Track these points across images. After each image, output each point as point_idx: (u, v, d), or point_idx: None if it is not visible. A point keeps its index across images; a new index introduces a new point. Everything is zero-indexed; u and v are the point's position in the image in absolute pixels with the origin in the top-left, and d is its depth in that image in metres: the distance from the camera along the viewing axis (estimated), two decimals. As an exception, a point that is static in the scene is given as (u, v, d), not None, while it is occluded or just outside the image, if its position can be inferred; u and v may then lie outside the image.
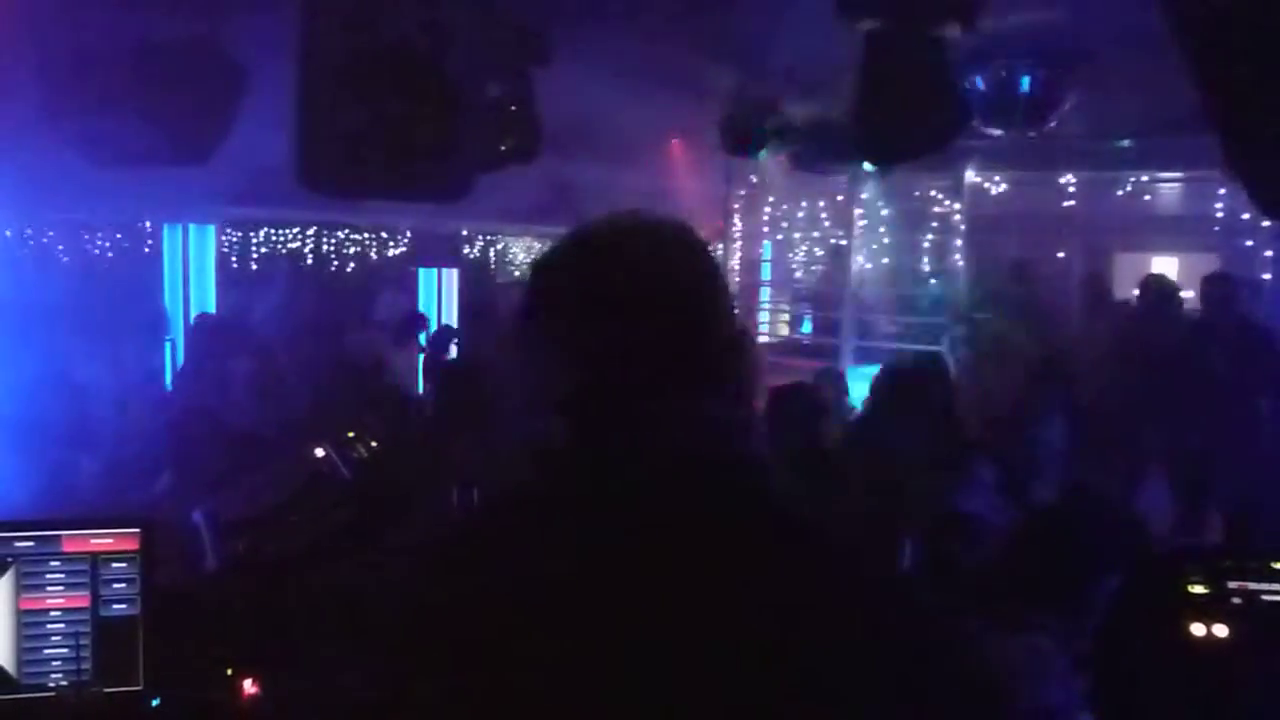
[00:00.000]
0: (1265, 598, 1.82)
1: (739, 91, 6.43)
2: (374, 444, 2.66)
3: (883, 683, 1.10)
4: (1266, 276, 8.73)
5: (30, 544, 2.40)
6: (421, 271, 12.82)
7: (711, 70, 6.28)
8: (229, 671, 2.38)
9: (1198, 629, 1.78)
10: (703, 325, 1.16)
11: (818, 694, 1.07)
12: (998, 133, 6.49)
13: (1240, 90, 1.89)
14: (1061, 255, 9.91)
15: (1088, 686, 1.89)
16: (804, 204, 10.53)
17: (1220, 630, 1.78)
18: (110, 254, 11.06)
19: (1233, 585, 1.83)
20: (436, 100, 2.81)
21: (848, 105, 4.68)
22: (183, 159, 4.51)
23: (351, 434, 2.69)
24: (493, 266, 15.64)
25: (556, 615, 1.11)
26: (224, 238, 11.72)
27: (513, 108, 4.03)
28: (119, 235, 11.26)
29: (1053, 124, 6.45)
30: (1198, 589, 1.82)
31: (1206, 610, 1.79)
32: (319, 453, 2.62)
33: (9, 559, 2.39)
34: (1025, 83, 5.78)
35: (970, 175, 9.26)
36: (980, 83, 5.48)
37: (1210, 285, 6.33)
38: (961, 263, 9.65)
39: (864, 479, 3.71)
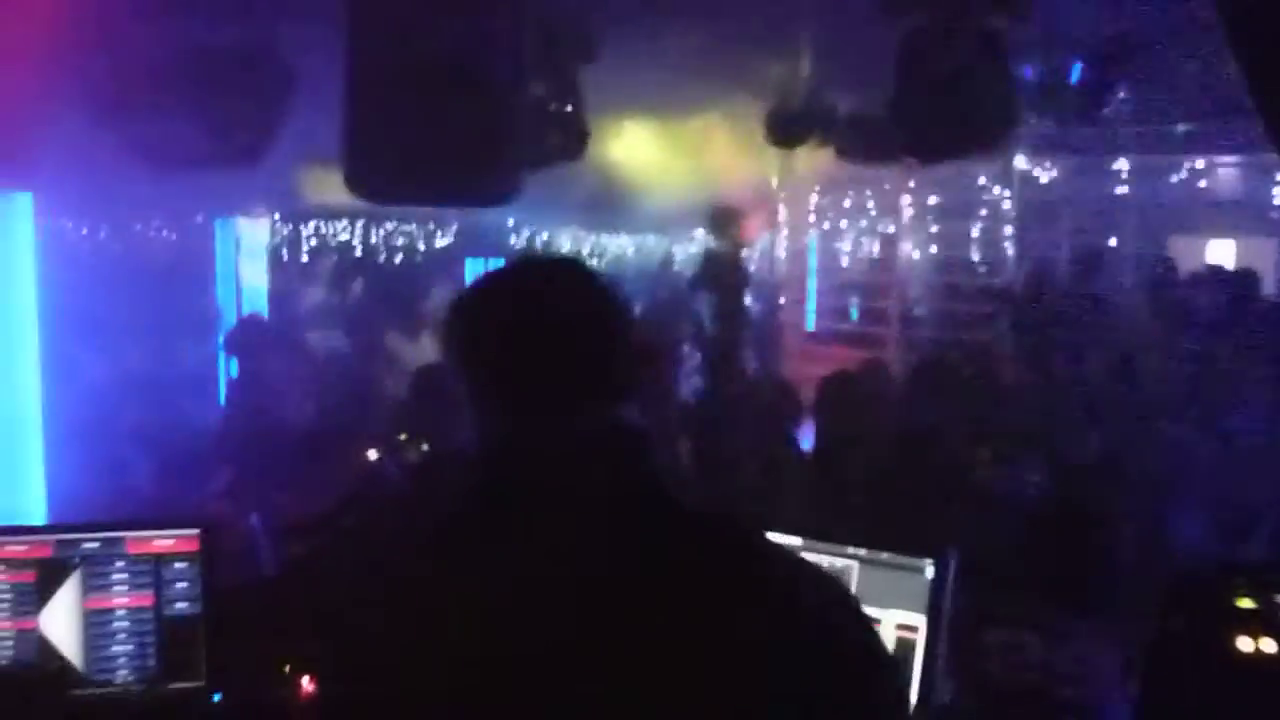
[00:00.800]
0: (1314, 611, 1.81)
1: (785, 84, 6.40)
2: (425, 447, 2.71)
3: (790, 673, 1.17)
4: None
5: (95, 545, 2.49)
6: (469, 262, 12.94)
7: (758, 63, 6.26)
8: (288, 669, 2.45)
9: (1244, 643, 1.78)
10: (599, 343, 1.33)
11: (727, 685, 1.15)
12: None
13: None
14: (1113, 242, 9.73)
15: (1135, 694, 1.89)
16: (850, 193, 10.46)
17: (1268, 645, 1.77)
18: (163, 248, 11.24)
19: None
20: (482, 107, 2.84)
21: (893, 99, 4.67)
22: (236, 162, 4.60)
23: (404, 436, 2.74)
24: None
25: (480, 622, 1.22)
26: (274, 230, 11.89)
27: (558, 107, 4.06)
28: (167, 231, 11.45)
29: (1105, 112, 6.35)
30: (1245, 603, 1.81)
31: (1254, 624, 1.79)
32: (372, 455, 2.67)
33: (76, 560, 2.47)
34: (1076, 71, 5.69)
35: (1020, 162, 9.15)
36: (1029, 73, 5.41)
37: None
38: (1011, 251, 9.54)
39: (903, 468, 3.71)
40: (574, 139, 4.34)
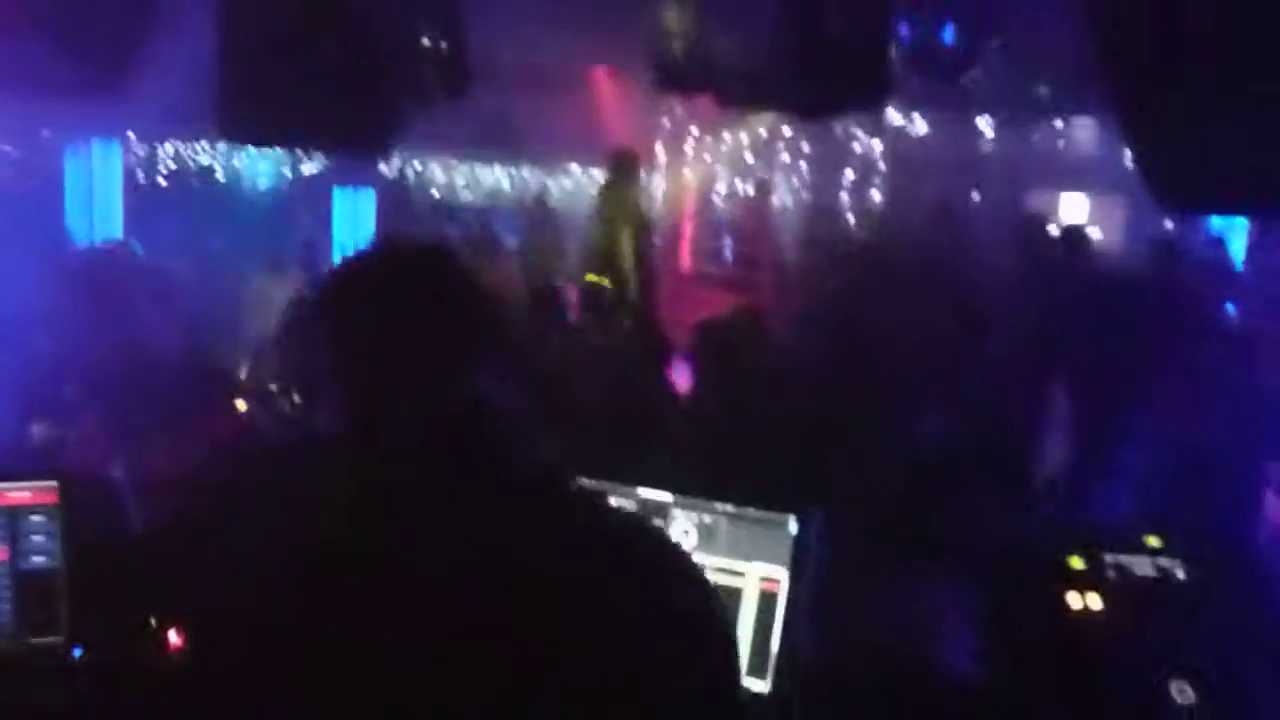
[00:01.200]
0: (1138, 571, 1.98)
1: (668, 29, 6.39)
2: (297, 398, 2.66)
3: (622, 638, 1.24)
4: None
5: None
6: (337, 191, 12.55)
7: (641, 7, 6.23)
8: (153, 624, 2.40)
9: (1075, 602, 1.93)
10: (456, 322, 1.36)
11: (563, 652, 1.21)
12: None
13: (1138, 88, 1.98)
14: (977, 196, 10.13)
15: (972, 647, 2.03)
16: (727, 137, 10.57)
17: (1096, 604, 1.93)
18: (5, 170, 10.56)
19: (1109, 559, 1.99)
20: (357, 46, 2.77)
21: (775, 52, 4.72)
22: (96, 89, 4.34)
23: (275, 387, 2.69)
24: (410, 186, 15.34)
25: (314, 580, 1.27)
26: (130, 154, 11.30)
27: (438, 45, 3.97)
28: (10, 148, 10.75)
29: (973, 71, 6.55)
30: (1076, 564, 1.97)
31: (1084, 583, 1.95)
32: (242, 406, 2.62)
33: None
34: (948, 31, 5.85)
35: (891, 114, 9.40)
36: (905, 31, 5.54)
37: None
38: (880, 201, 9.83)
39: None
40: (454, 79, 4.25)
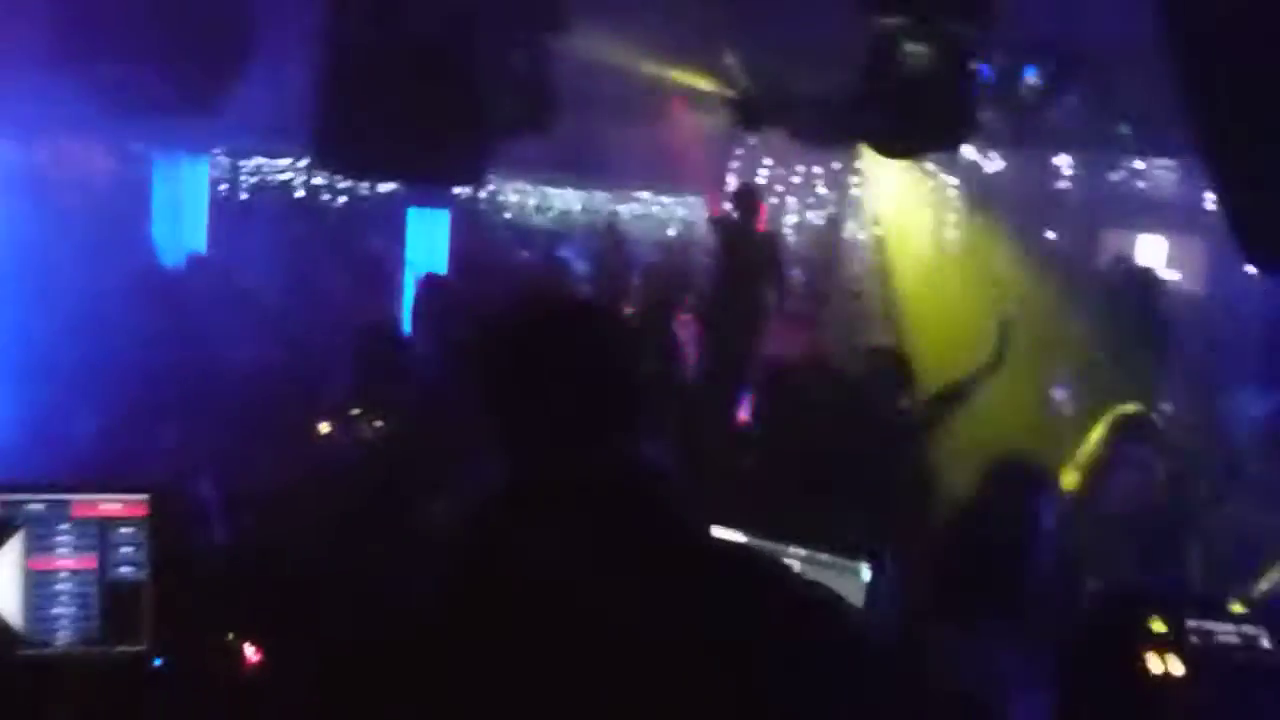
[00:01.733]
0: (1221, 638, 1.93)
1: (747, 64, 6.42)
2: (378, 423, 2.71)
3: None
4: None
5: (40, 508, 2.47)
6: (411, 211, 12.75)
7: (721, 42, 6.27)
8: (231, 638, 2.47)
9: (1155, 665, 1.90)
10: (617, 382, 1.39)
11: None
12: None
13: (1229, 140, 1.96)
14: (1051, 235, 9.96)
15: (1049, 705, 2.00)
16: (800, 169, 10.55)
17: (1177, 668, 1.89)
18: (100, 182, 10.92)
19: (1191, 625, 1.95)
20: (455, 86, 2.83)
21: (853, 88, 4.72)
22: (188, 109, 4.50)
23: (357, 410, 2.74)
24: (484, 208, 15.55)
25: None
26: (215, 169, 11.61)
27: (527, 78, 4.03)
28: (107, 165, 11.10)
29: (1053, 111, 6.49)
30: (1158, 627, 1.93)
31: (1165, 648, 1.91)
32: (325, 429, 2.67)
33: (19, 520, 2.46)
34: (1029, 72, 5.81)
35: (966, 150, 9.29)
36: (985, 71, 5.50)
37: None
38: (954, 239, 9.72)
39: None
40: (542, 111, 4.31)
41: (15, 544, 2.45)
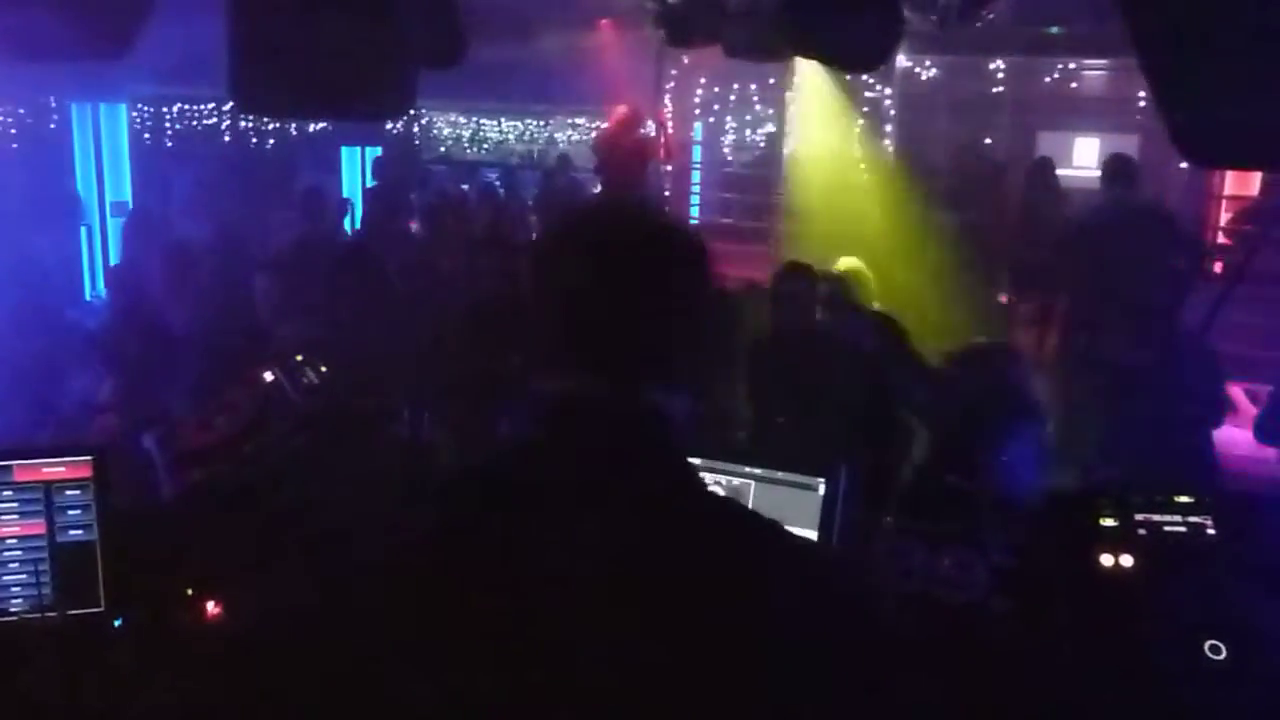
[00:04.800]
0: (1168, 529, 1.99)
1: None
2: (324, 369, 2.67)
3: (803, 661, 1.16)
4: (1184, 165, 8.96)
5: (-24, 479, 2.41)
6: (345, 150, 12.48)
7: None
8: (189, 592, 2.44)
9: (1106, 559, 1.95)
10: (683, 326, 1.26)
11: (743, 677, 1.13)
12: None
13: (1167, 40, 1.95)
14: (989, 141, 10.01)
15: (1005, 602, 2.05)
16: (736, 86, 10.45)
17: (1127, 560, 1.94)
18: (14, 132, 10.52)
19: (1139, 518, 2.00)
20: (370, 15, 2.73)
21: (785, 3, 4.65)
22: (99, 53, 4.30)
23: (300, 357, 2.70)
24: (417, 143, 15.26)
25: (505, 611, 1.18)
26: (135, 114, 11.24)
27: (439, 9, 3.92)
28: (22, 111, 10.70)
29: (988, 16, 6.45)
30: (1108, 521, 1.98)
31: (1115, 541, 1.96)
32: (268, 377, 2.63)
33: (-45, 491, 2.39)
34: (960, -25, 5.75)
35: (901, 59, 9.26)
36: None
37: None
38: (891, 147, 9.73)
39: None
40: (454, 45, 4.21)
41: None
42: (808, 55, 5.07)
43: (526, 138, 15.26)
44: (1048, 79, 10.07)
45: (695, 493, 1.25)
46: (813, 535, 2.15)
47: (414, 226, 8.86)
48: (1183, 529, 1.99)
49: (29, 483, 2.44)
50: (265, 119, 11.50)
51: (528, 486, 1.23)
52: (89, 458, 2.47)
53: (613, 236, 1.28)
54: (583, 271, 1.25)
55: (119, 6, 4.18)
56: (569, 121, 14.30)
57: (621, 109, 9.40)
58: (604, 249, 1.26)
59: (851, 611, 1.26)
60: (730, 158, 11.21)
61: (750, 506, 2.12)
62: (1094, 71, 10.23)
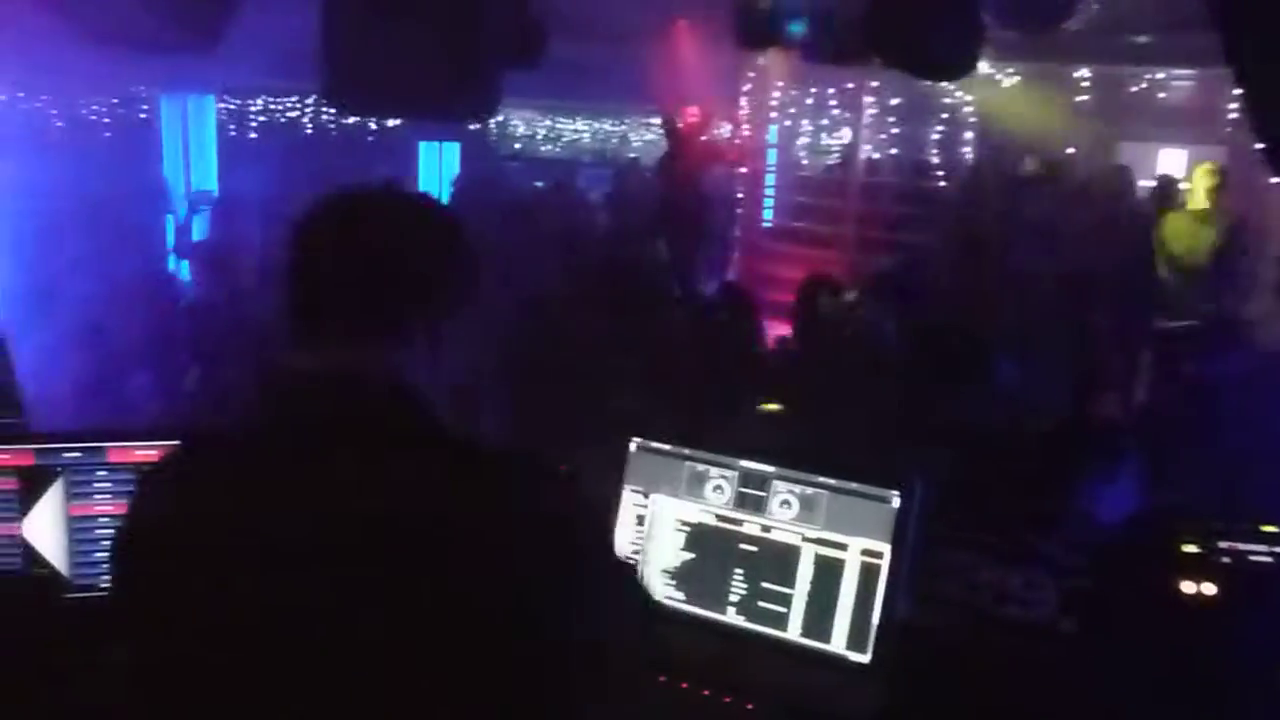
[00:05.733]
0: (1253, 558, 1.95)
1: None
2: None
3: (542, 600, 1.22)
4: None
5: (78, 455, 2.51)
6: (422, 145, 12.67)
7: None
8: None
9: (1187, 586, 1.92)
10: (397, 286, 1.33)
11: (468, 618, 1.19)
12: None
13: (1265, 55, 1.91)
14: (1071, 150, 9.83)
15: (1075, 624, 2.03)
16: (813, 89, 10.39)
17: (1209, 589, 1.91)
18: (107, 122, 10.87)
19: (1223, 545, 1.96)
20: (457, 17, 2.79)
21: (863, 3, 4.64)
22: (187, 45, 4.44)
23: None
24: (493, 139, 15.44)
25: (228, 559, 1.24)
26: (220, 105, 11.54)
27: (521, 13, 3.98)
28: (115, 101, 11.05)
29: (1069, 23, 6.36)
30: (1189, 548, 1.95)
31: (1196, 568, 1.93)
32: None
33: (58, 469, 2.50)
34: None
35: (983, 66, 9.13)
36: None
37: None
38: (970, 155, 9.60)
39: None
40: (533, 46, 4.27)
41: (56, 491, 2.49)
42: (890, 64, 5.03)
43: (600, 137, 15.37)
44: (1133, 89, 9.85)
45: (432, 447, 1.29)
46: (885, 547, 2.15)
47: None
48: (1268, 559, 1.95)
49: (122, 464, 2.53)
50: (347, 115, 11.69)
51: (265, 455, 1.30)
52: (178, 442, 2.55)
53: (357, 214, 1.36)
54: (326, 248, 1.33)
55: (210, 2, 4.32)
56: (643, 123, 14.37)
57: (691, 111, 9.41)
58: (347, 227, 1.34)
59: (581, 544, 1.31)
60: (805, 162, 11.14)
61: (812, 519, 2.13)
62: (1181, 82, 9.98)
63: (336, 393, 1.29)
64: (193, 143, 10.29)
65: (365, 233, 1.34)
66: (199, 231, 7.23)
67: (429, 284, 1.35)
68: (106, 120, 11.09)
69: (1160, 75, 9.67)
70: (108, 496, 2.53)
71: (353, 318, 1.31)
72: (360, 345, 1.30)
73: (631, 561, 1.41)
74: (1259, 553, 1.95)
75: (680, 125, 9.26)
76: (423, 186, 11.55)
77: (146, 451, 2.54)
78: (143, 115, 10.68)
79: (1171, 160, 10.45)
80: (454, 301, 1.38)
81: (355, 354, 1.30)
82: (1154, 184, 8.94)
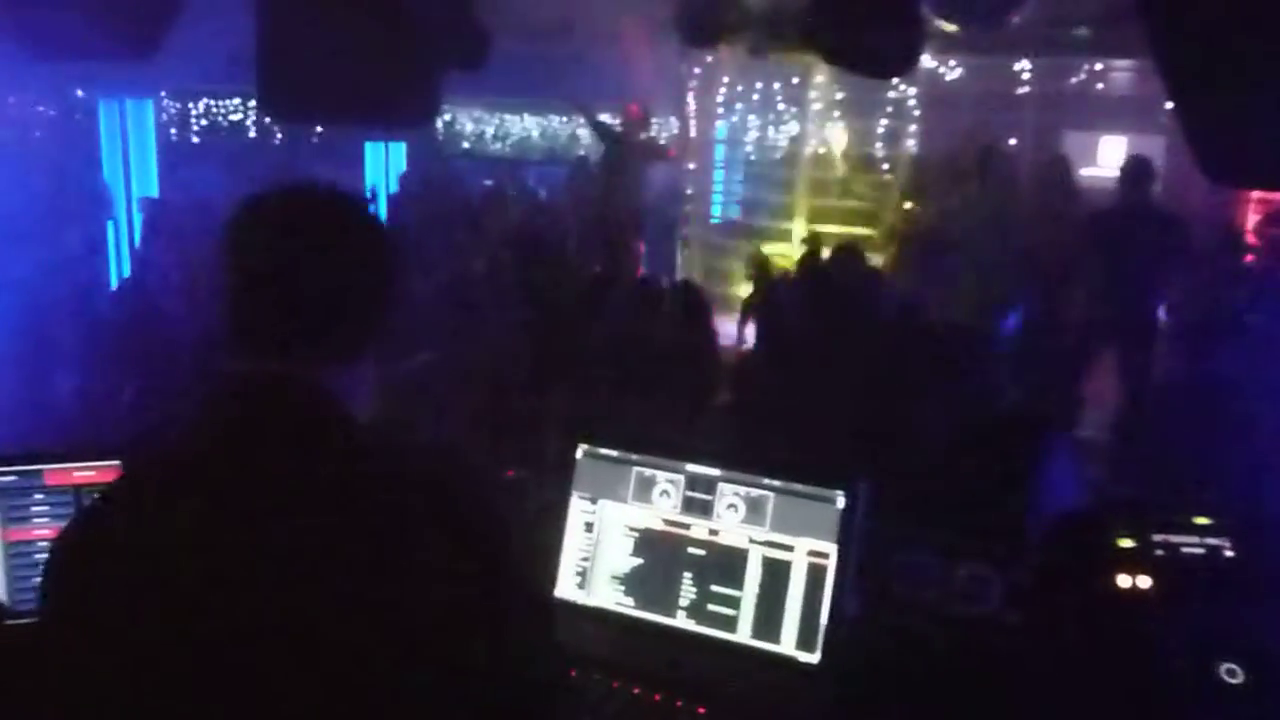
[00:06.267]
0: (1186, 550, 1.99)
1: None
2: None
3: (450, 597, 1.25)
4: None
5: (13, 478, 2.45)
6: (368, 146, 12.56)
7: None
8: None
9: (1123, 581, 1.95)
10: (328, 296, 1.33)
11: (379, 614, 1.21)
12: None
13: (1190, 63, 1.95)
14: (1014, 141, 9.95)
15: (1017, 617, 2.06)
16: (759, 85, 10.42)
17: (1144, 582, 1.95)
18: (42, 128, 10.65)
19: (1157, 538, 2.00)
20: (395, 25, 2.76)
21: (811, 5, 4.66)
22: (123, 53, 4.36)
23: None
24: (440, 138, 15.33)
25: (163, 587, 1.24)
26: (161, 110, 11.36)
27: (459, 14, 3.94)
28: (42, 108, 10.80)
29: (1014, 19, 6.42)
30: (1125, 542, 1.98)
31: (1132, 562, 1.96)
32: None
33: (-20, 492, 2.44)
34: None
35: (925, 60, 9.22)
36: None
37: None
38: (914, 147, 9.69)
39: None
40: (475, 48, 4.24)
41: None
42: (832, 63, 5.05)
43: (549, 135, 15.30)
44: (1073, 79, 10.00)
45: (351, 454, 1.30)
46: (831, 547, 2.16)
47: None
48: (1200, 550, 1.99)
49: (59, 486, 2.48)
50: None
51: (197, 469, 1.29)
52: (118, 462, 2.51)
53: (285, 219, 1.35)
54: (254, 256, 1.32)
55: (148, 8, 4.24)
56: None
57: (631, 107, 9.43)
58: (277, 233, 1.33)
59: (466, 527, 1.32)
60: (753, 156, 11.18)
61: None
62: (1120, 72, 10.15)
63: (265, 402, 1.30)
64: (132, 146, 10.11)
65: (291, 243, 1.33)
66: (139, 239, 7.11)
67: (354, 292, 1.36)
68: (44, 123, 10.86)
69: (1100, 66, 9.83)
70: (45, 520, 2.47)
71: (280, 329, 1.32)
72: (288, 355, 1.31)
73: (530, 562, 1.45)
74: (1192, 544, 2.00)
75: (621, 123, 9.29)
76: (369, 186, 11.44)
77: (85, 473, 2.48)
78: (78, 118, 10.48)
79: (1112, 148, 10.63)
80: (379, 306, 1.39)
81: (284, 363, 1.31)
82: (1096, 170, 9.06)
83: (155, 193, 10.27)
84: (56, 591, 1.36)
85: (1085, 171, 9.16)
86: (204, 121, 12.60)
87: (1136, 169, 6.52)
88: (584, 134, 14.48)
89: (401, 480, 1.30)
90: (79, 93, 10.42)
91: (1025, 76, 9.74)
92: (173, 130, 11.85)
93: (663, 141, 10.83)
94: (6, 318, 4.40)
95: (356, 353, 1.36)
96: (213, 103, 12.55)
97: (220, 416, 1.31)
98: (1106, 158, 10.40)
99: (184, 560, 1.24)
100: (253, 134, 12.87)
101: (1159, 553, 2.00)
